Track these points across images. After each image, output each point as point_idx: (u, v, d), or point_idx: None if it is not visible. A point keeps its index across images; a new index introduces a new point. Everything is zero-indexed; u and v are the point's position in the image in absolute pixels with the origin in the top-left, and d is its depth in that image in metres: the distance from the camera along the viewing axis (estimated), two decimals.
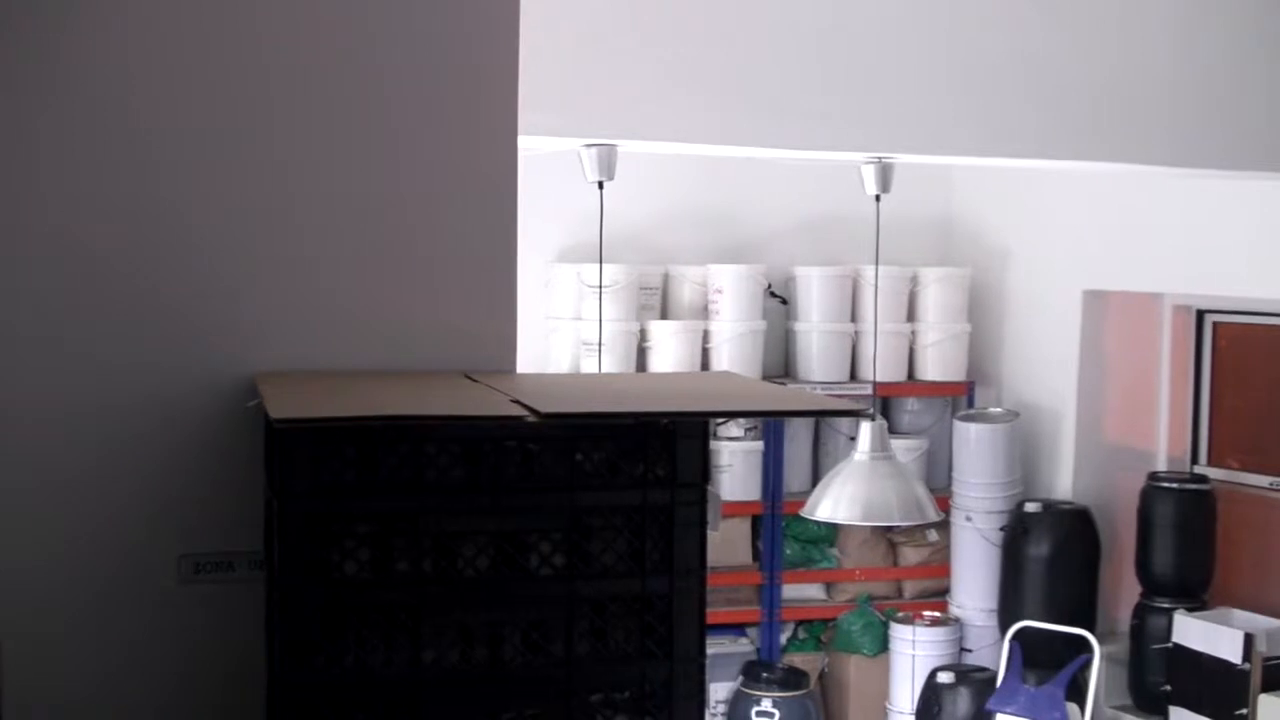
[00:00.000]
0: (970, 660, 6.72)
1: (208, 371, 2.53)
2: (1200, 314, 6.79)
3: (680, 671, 2.24)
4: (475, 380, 2.46)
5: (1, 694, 2.50)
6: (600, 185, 4.42)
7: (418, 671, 2.16)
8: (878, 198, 4.84)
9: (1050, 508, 6.62)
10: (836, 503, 4.56)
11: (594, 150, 4.35)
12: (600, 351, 5.78)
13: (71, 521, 2.50)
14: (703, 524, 2.24)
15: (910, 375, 7.12)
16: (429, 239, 2.64)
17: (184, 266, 2.52)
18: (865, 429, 4.62)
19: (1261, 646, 5.86)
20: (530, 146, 3.16)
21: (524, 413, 2.03)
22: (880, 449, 4.61)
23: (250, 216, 2.55)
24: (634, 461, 2.22)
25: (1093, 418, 6.91)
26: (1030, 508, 6.61)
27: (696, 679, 2.25)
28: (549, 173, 4.99)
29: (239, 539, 2.50)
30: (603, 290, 5.76)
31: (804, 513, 4.76)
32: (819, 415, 5.28)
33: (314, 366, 2.55)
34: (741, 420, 6.70)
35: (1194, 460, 6.80)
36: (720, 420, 6.65)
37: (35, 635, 2.49)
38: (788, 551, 6.87)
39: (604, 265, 5.29)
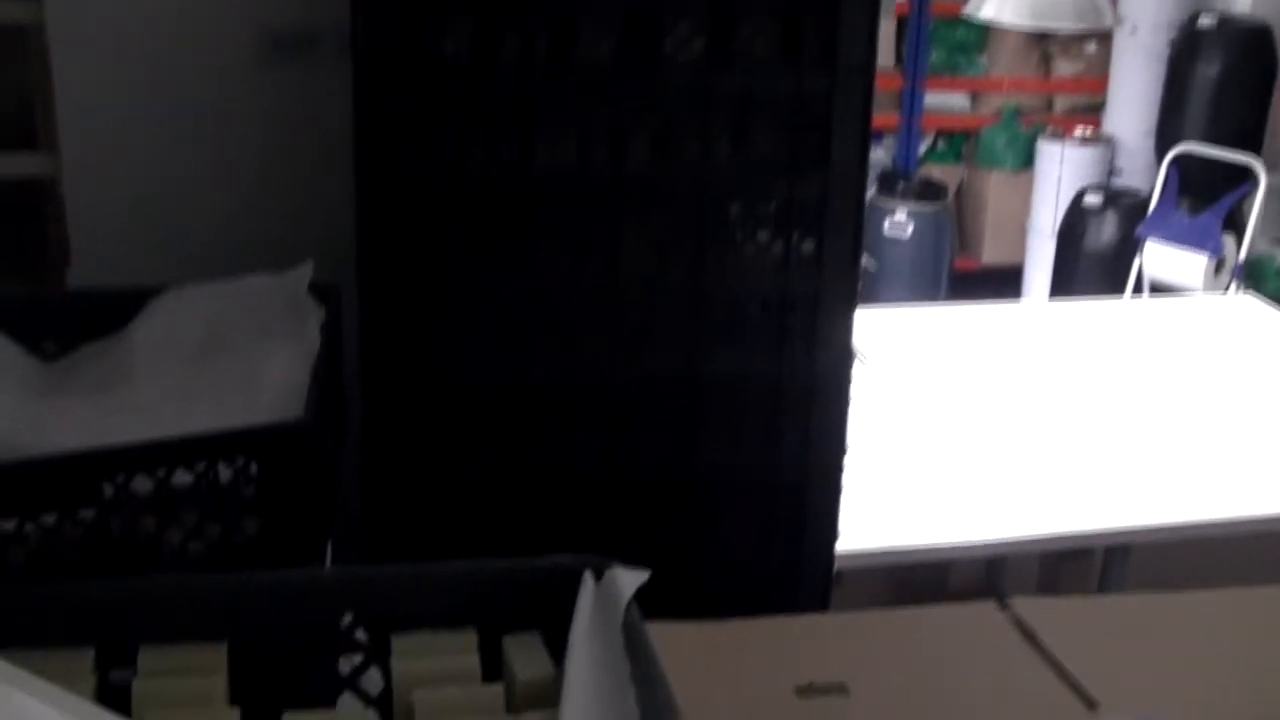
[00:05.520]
0: (1120, 184, 6.30)
1: None
2: None
3: (837, 185, 1.89)
4: None
5: (64, 193, 2.23)
6: None
7: (527, 176, 1.82)
8: None
9: (1226, 23, 6.02)
10: (1002, 1, 4.06)
11: None
12: None
13: None
14: (874, 12, 1.83)
15: None
16: None
17: None
18: None
19: None
20: None
21: None
22: None
23: None
24: None
25: None
26: (1204, 22, 6.03)
27: (855, 196, 1.91)
28: None
29: (324, 9, 2.13)
30: None
31: (966, 13, 4.26)
32: None
33: None
34: None
35: None
36: None
37: (102, 128, 2.19)
38: (933, 57, 6.38)
39: None
